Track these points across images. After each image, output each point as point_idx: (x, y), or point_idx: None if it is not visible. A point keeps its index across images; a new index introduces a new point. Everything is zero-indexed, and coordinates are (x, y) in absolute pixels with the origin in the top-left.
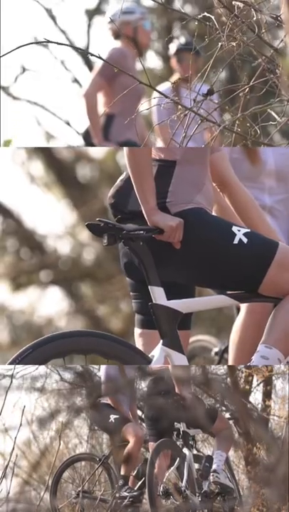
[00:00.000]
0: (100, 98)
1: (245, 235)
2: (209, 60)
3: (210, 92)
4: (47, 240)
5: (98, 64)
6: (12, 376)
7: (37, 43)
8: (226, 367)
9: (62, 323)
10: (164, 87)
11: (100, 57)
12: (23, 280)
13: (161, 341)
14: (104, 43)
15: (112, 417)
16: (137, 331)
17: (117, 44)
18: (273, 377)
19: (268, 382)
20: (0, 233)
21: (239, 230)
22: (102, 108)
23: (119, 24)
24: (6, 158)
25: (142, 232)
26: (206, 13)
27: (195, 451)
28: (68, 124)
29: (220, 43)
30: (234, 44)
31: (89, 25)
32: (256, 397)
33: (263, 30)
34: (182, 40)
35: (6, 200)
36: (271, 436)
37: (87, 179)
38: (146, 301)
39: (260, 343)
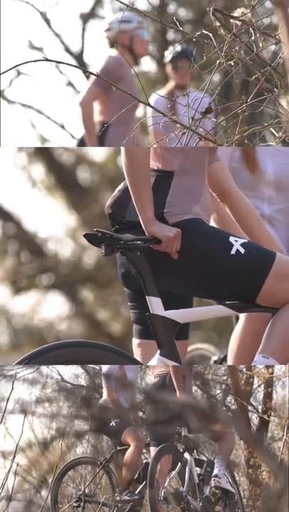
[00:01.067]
0: (96, 106)
1: (242, 245)
2: (206, 77)
3: (208, 110)
4: (47, 243)
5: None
6: (14, 377)
7: (35, 61)
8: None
9: (63, 326)
10: (160, 93)
11: (97, 75)
12: (24, 284)
13: (158, 351)
14: (98, 47)
15: (113, 420)
16: (135, 341)
17: (113, 52)
18: (274, 379)
19: (268, 385)
20: (0, 237)
21: (236, 241)
22: (98, 116)
23: (115, 33)
24: (7, 161)
25: (139, 242)
26: (203, 31)
27: (196, 456)
28: (63, 127)
29: (218, 61)
30: (232, 63)
31: (83, 29)
32: (257, 399)
33: (260, 49)
34: (178, 47)
35: (7, 204)
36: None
37: (87, 182)
38: (144, 311)
39: (257, 353)
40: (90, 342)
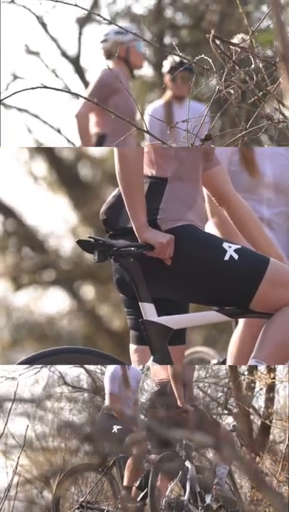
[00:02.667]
0: (92, 118)
1: (236, 251)
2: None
3: (207, 138)
4: (48, 239)
5: (90, 84)
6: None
7: (33, 88)
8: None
9: (64, 322)
10: (156, 104)
11: (96, 103)
12: (25, 280)
13: (151, 357)
14: (95, 52)
15: (115, 427)
16: (132, 347)
17: (109, 64)
18: (276, 383)
19: (270, 389)
20: (1, 232)
21: (230, 247)
22: (93, 128)
23: (111, 44)
24: (8, 156)
25: (132, 248)
26: (203, 56)
27: (198, 463)
28: (59, 131)
29: (217, 87)
30: (232, 91)
31: (80, 33)
32: (259, 403)
33: (260, 77)
34: (176, 58)
35: (8, 199)
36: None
37: (88, 179)
38: (140, 317)
39: (250, 358)
40: (87, 349)
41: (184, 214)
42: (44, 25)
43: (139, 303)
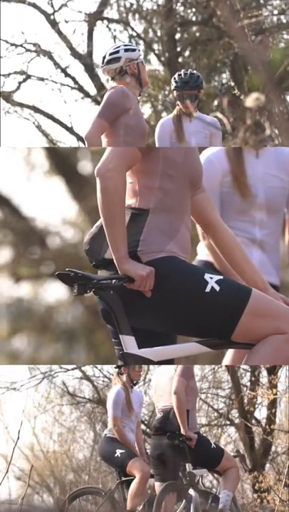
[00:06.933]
0: (103, 139)
1: (217, 282)
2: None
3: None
4: (47, 232)
5: (101, 104)
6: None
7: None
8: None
9: (62, 313)
10: (166, 118)
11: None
12: (24, 272)
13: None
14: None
15: (118, 451)
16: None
17: (119, 82)
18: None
19: (272, 405)
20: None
21: (212, 278)
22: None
23: (123, 62)
24: (7, 149)
25: (112, 281)
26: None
27: (202, 487)
28: (69, 129)
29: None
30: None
31: (90, 32)
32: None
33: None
34: (182, 74)
35: (6, 191)
36: None
37: (88, 171)
38: None
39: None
40: None
41: (164, 245)
42: (54, 24)
43: (120, 335)
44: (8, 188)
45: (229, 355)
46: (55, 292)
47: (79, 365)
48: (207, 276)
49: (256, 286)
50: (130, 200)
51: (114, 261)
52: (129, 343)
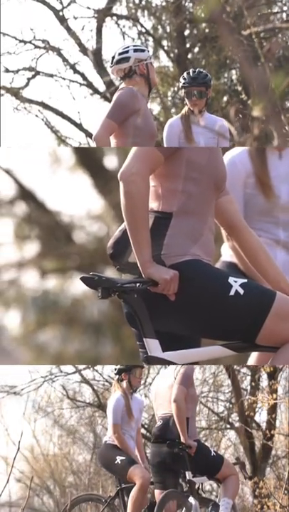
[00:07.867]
0: (112, 140)
1: (241, 286)
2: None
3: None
4: (73, 226)
5: (110, 105)
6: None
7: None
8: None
9: (89, 307)
10: (175, 117)
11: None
12: (50, 266)
13: None
14: (113, 45)
15: (119, 458)
16: None
17: (126, 84)
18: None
19: (273, 409)
20: (24, 219)
21: (236, 281)
22: None
23: (132, 62)
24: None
25: (135, 284)
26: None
27: (202, 492)
28: (78, 126)
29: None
30: None
31: (99, 28)
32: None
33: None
34: (191, 72)
35: (31, 186)
36: None
37: (113, 166)
38: None
39: None
40: None
41: (188, 249)
42: (63, 20)
43: (144, 339)
44: (33, 183)
45: (254, 355)
46: (81, 286)
47: (79, 368)
48: (231, 279)
49: (280, 288)
50: (153, 204)
51: (138, 265)
52: (153, 346)
